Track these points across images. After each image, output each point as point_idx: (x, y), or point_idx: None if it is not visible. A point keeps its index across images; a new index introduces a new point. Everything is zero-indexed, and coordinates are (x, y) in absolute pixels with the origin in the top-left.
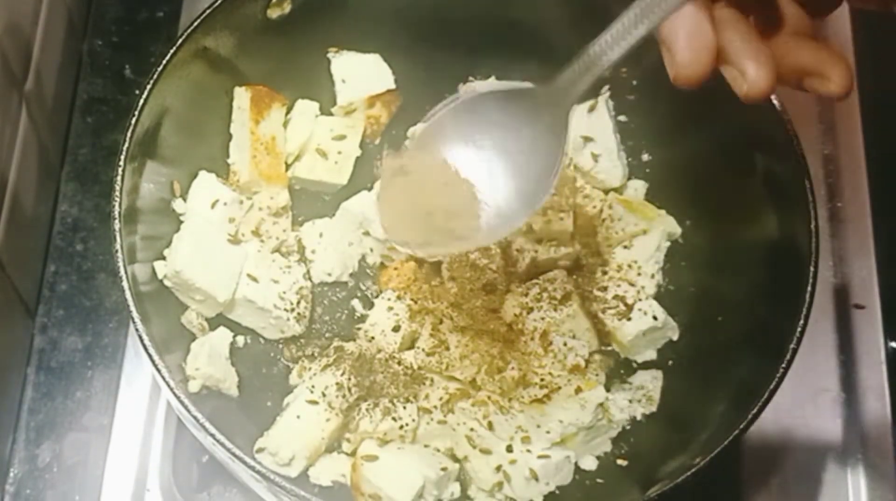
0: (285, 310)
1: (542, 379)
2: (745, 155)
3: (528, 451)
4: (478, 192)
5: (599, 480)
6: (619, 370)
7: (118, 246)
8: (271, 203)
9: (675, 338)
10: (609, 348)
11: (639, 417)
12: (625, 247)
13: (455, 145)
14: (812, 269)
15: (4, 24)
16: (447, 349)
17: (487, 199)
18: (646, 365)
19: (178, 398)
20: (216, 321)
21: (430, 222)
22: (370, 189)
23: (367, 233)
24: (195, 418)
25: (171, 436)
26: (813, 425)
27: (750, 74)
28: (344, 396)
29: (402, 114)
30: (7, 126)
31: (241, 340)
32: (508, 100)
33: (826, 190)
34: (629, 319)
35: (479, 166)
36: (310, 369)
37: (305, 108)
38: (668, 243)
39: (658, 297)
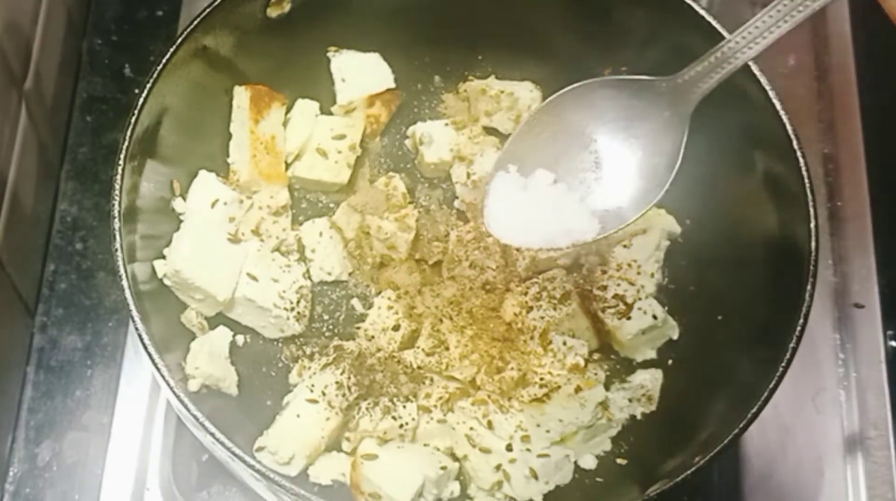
0: (285, 309)
1: (541, 378)
2: (745, 155)
3: (528, 450)
4: (586, 185)
5: (599, 479)
6: (619, 369)
7: (118, 245)
8: (271, 202)
9: (674, 337)
10: (609, 347)
11: (638, 416)
12: (624, 246)
13: (564, 136)
14: (812, 268)
15: (4, 23)
16: (447, 348)
17: (597, 194)
18: (645, 364)
19: (177, 397)
20: (216, 320)
21: (540, 220)
22: (372, 182)
23: (366, 232)
24: (195, 417)
25: (170, 435)
26: (813, 424)
27: None
28: (344, 395)
29: (401, 113)
30: (6, 125)
31: (240, 339)
32: (625, 90)
33: (826, 189)
34: (629, 318)
35: (588, 158)
36: (309, 368)
37: (305, 107)
38: (668, 242)
39: (658, 296)
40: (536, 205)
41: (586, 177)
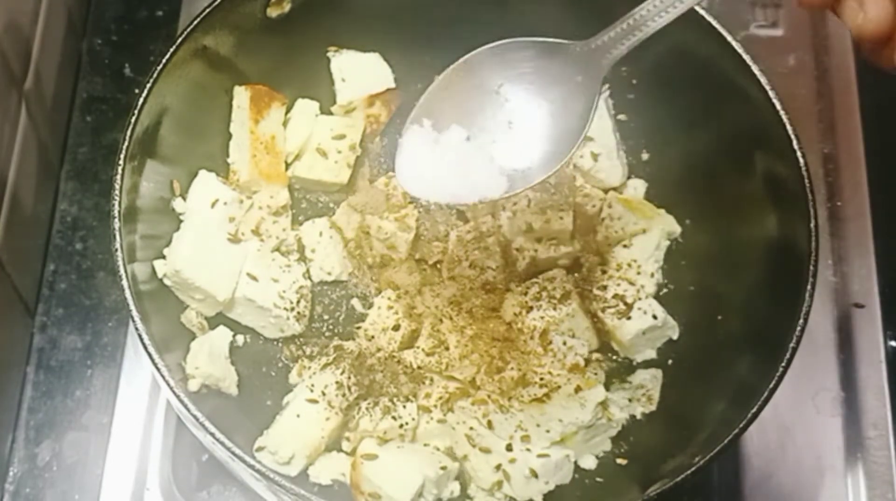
0: (285, 309)
1: (541, 378)
2: (745, 154)
3: (528, 450)
4: (497, 144)
5: (599, 479)
6: (619, 370)
7: (118, 245)
8: (271, 202)
9: (674, 337)
10: (609, 347)
11: (638, 416)
12: (624, 246)
13: (477, 95)
14: (811, 268)
15: (4, 23)
16: (447, 348)
17: (507, 153)
18: (645, 364)
19: (177, 396)
20: (216, 320)
21: (451, 175)
22: (372, 182)
23: (366, 232)
24: (195, 417)
25: (170, 435)
26: (813, 424)
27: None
28: (343, 395)
29: (401, 113)
30: (6, 125)
31: (240, 339)
32: (539, 52)
33: (826, 189)
34: (629, 318)
35: (500, 117)
36: (309, 368)
37: (305, 107)
38: (668, 242)
39: (658, 296)
40: (447, 160)
41: (498, 136)
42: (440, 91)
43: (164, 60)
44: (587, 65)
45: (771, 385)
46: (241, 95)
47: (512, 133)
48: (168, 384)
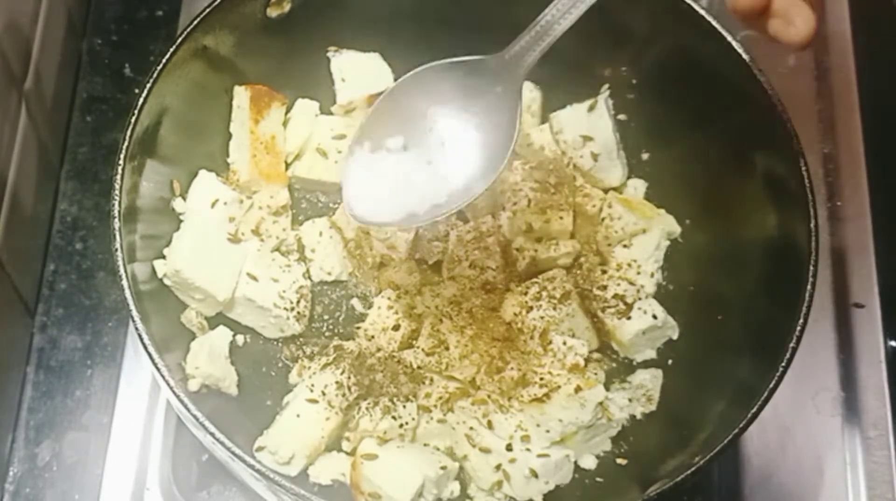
0: (285, 309)
1: (541, 378)
2: (745, 154)
3: (528, 450)
4: (434, 164)
5: (599, 479)
6: (619, 369)
7: (118, 245)
8: (271, 202)
9: (674, 337)
10: (609, 347)
11: (638, 416)
12: (624, 246)
13: (408, 121)
14: (811, 268)
15: (4, 23)
16: (447, 348)
17: (443, 171)
18: (645, 364)
19: (177, 396)
20: (216, 320)
21: (394, 197)
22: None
23: (367, 232)
24: (195, 417)
25: (170, 435)
26: (813, 424)
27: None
28: (343, 395)
29: None
30: (6, 125)
31: (240, 339)
32: (459, 71)
33: (825, 189)
34: (629, 318)
35: (433, 139)
36: (309, 368)
37: (305, 107)
38: (668, 242)
39: (658, 296)
40: (390, 182)
41: (433, 156)
42: (374, 120)
43: (164, 60)
44: (505, 75)
45: (771, 385)
46: (241, 95)
47: (445, 151)
48: (168, 384)
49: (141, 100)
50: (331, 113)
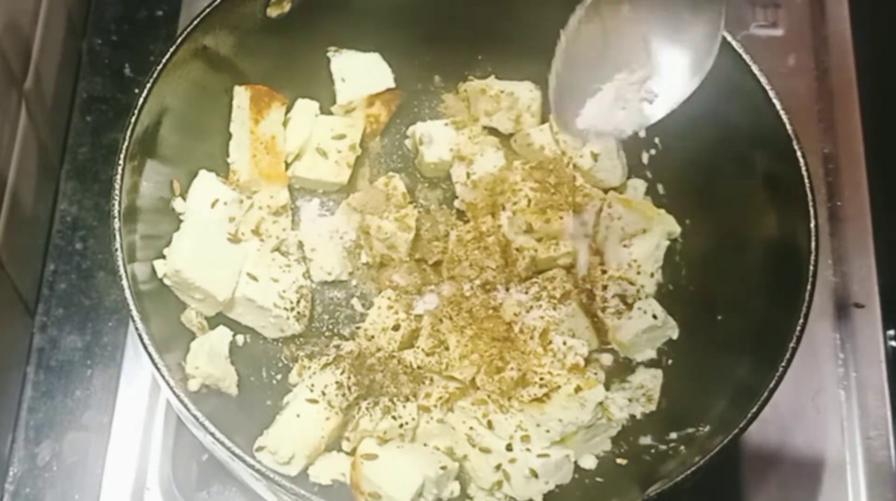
0: (285, 309)
1: (541, 378)
2: (745, 154)
3: (528, 450)
4: (641, 66)
5: (599, 479)
6: (619, 369)
7: (118, 245)
8: (271, 202)
9: (674, 337)
10: (609, 346)
11: (638, 416)
12: (624, 246)
13: (620, 23)
14: (812, 268)
15: (4, 23)
16: (447, 348)
17: (653, 80)
18: (645, 364)
19: (177, 396)
20: (216, 320)
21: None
22: (372, 182)
23: (367, 232)
24: (195, 417)
25: (170, 435)
26: (813, 425)
27: None
28: (343, 395)
29: (401, 113)
30: (6, 125)
31: (240, 339)
32: None
33: (826, 189)
34: (629, 317)
35: (639, 42)
36: (309, 367)
37: (305, 107)
38: (668, 242)
39: (658, 296)
40: (603, 95)
41: (639, 65)
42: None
43: (164, 60)
44: None
45: (771, 385)
46: (241, 95)
47: (651, 59)
48: (168, 384)
49: (141, 100)
50: (331, 113)
